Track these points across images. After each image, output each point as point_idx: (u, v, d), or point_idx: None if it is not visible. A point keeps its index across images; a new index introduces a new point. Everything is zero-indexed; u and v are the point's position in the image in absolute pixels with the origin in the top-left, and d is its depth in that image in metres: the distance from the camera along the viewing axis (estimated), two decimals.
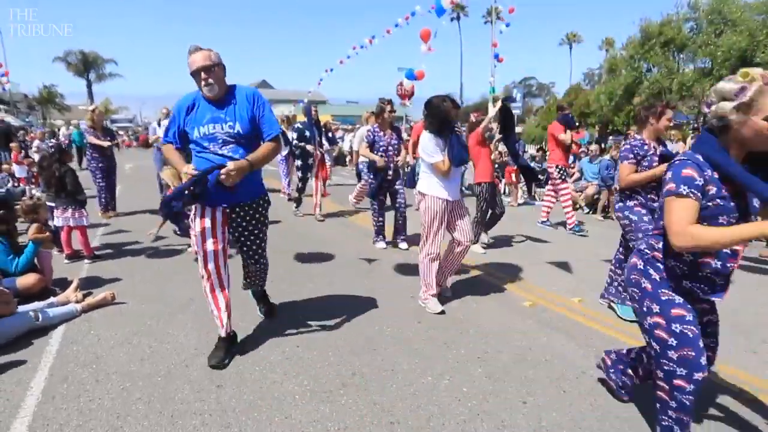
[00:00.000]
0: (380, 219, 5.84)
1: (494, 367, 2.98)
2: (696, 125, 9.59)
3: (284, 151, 8.79)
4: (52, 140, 10.14)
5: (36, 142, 11.09)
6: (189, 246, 6.43)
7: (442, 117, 3.63)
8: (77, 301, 3.80)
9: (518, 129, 14.47)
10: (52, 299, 3.81)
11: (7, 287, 3.57)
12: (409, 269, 4.83)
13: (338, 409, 2.50)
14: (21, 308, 3.44)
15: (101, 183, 7.69)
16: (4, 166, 10.17)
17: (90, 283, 4.36)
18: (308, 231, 6.86)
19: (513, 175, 9.93)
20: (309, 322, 3.57)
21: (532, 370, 2.95)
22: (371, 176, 5.84)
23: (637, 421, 2.45)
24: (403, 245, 5.73)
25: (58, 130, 21.15)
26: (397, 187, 5.70)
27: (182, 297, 4.07)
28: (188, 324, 3.52)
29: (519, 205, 10.07)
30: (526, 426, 2.41)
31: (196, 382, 2.72)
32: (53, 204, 5.07)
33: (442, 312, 3.77)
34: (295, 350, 3.13)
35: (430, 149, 3.66)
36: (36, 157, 10.43)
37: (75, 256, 5.19)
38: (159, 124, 8.46)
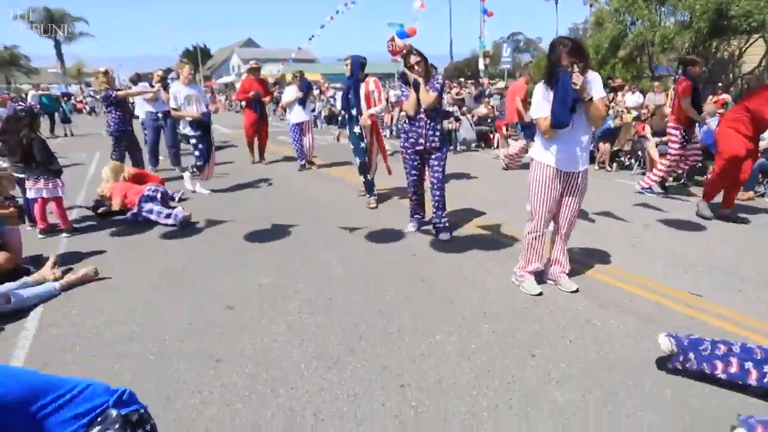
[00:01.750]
0: (414, 196, 4.66)
1: (501, 323, 2.91)
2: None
3: (298, 117, 8.26)
4: (21, 104, 9.39)
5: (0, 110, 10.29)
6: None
7: (552, 62, 3.02)
8: (55, 279, 3.56)
9: (502, 84, 14.27)
10: (25, 279, 3.55)
11: None
12: (401, 221, 4.71)
13: (346, 376, 2.41)
14: None
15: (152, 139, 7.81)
16: None
17: (70, 259, 4.10)
18: (308, 192, 6.64)
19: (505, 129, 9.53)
20: (311, 288, 3.44)
21: (538, 323, 2.89)
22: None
23: (648, 366, 2.43)
24: (445, 235, 4.47)
25: (26, 94, 19.92)
26: (434, 156, 4.36)
27: (170, 267, 3.88)
28: (179, 296, 3.35)
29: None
30: (536, 380, 2.36)
31: (192, 359, 2.57)
32: (23, 175, 4.71)
33: (540, 294, 3.24)
34: (298, 317, 3.01)
35: (535, 101, 3.10)
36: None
37: (51, 230, 4.88)
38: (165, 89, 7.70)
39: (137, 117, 8.79)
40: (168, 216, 5.07)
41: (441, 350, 2.62)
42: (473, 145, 10.90)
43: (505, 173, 8.10)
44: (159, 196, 5.40)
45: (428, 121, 4.19)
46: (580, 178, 3.17)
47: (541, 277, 3.45)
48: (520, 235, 4.61)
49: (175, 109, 6.42)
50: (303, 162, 8.46)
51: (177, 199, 6.13)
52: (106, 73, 7.22)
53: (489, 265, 3.84)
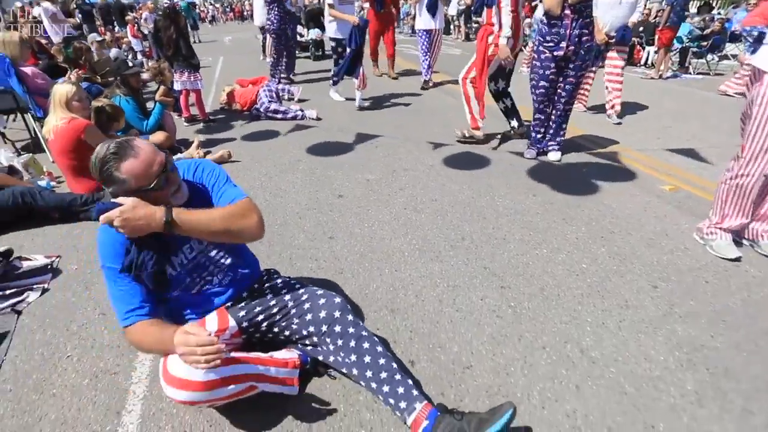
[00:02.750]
0: (538, 114, 4.08)
1: (620, 248, 2.67)
2: None
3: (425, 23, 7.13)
4: (166, 2, 10.32)
5: (145, 14, 11.51)
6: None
7: None
8: (199, 158, 4.06)
9: None
10: (179, 155, 4.12)
11: None
12: (521, 142, 4.43)
13: (447, 268, 2.44)
14: None
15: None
16: (125, 39, 10.88)
17: (207, 144, 4.62)
18: (428, 107, 6.55)
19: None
20: (415, 187, 3.48)
21: (667, 257, 2.60)
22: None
23: None
24: (555, 155, 4.13)
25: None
26: (573, 64, 3.73)
27: (290, 158, 4.19)
28: (297, 182, 3.62)
29: (666, 78, 8.53)
30: (655, 309, 2.16)
31: (309, 232, 2.82)
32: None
33: (737, 259, 2.55)
34: (403, 212, 3.08)
35: None
36: (147, 31, 10.92)
37: (192, 119, 5.53)
38: None
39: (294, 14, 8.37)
40: (294, 116, 5.47)
41: (547, 263, 2.51)
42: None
43: (648, 96, 6.83)
44: (274, 94, 5.80)
45: (576, 18, 3.55)
46: None
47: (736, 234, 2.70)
48: (655, 159, 4.11)
49: (330, 5, 6.19)
50: (427, 78, 7.45)
51: (296, 99, 6.45)
52: None
53: (610, 188, 3.49)
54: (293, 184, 3.58)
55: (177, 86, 5.31)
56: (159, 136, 4.26)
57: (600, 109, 5.72)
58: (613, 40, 5.01)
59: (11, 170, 3.58)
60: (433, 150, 4.39)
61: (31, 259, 2.59)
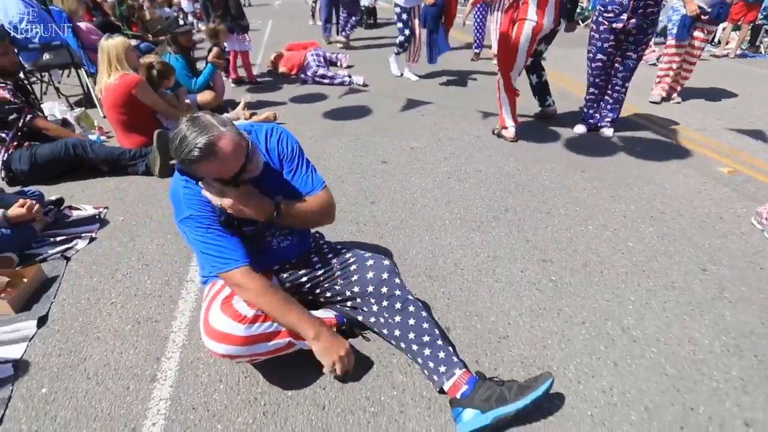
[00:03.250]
0: (593, 89, 3.86)
1: (670, 229, 2.58)
2: None
3: None
4: None
5: None
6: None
7: None
8: (246, 118, 4.15)
9: None
10: (225, 115, 4.21)
11: (189, 102, 4.02)
12: (572, 116, 4.27)
13: (489, 239, 2.44)
14: None
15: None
16: (175, 0, 11.01)
17: (253, 106, 4.70)
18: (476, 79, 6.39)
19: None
20: (460, 157, 3.44)
21: (720, 240, 2.49)
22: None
23: None
24: (607, 131, 3.93)
25: None
26: (633, 38, 3.49)
27: (335, 123, 4.22)
28: (341, 147, 3.66)
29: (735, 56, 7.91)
30: (703, 292, 2.09)
31: (351, 196, 2.87)
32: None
33: None
34: (446, 181, 3.08)
35: None
36: None
37: (240, 81, 5.61)
38: None
39: None
40: (341, 82, 5.46)
41: (592, 239, 2.46)
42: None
43: (712, 75, 6.26)
44: (321, 59, 5.77)
45: None
46: None
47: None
48: (714, 139, 3.89)
49: None
50: (478, 51, 7.16)
51: (344, 65, 6.40)
52: None
53: (663, 168, 3.34)
54: (337, 148, 3.62)
55: (225, 46, 5.37)
56: (206, 96, 4.37)
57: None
58: (707, 16, 4.36)
59: (64, 123, 3.74)
60: (481, 121, 4.30)
61: (80, 209, 2.75)
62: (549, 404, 1.51)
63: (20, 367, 1.68)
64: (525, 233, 2.50)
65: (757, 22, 8.25)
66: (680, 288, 2.12)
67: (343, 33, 8.02)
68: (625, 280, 2.16)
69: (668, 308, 2.00)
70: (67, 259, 2.32)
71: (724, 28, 8.10)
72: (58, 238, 2.46)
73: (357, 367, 1.64)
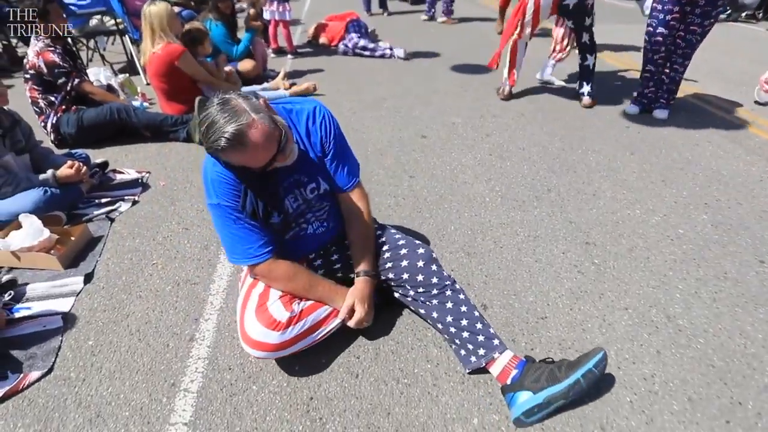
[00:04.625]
0: (649, 66, 3.56)
1: (726, 218, 2.42)
2: None
3: None
4: None
5: None
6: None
7: None
8: (285, 88, 4.14)
9: None
10: (265, 84, 4.23)
11: (231, 69, 4.04)
12: (624, 95, 4.04)
13: (530, 218, 2.36)
14: (243, 89, 3.88)
15: None
16: None
17: (293, 75, 4.69)
18: None
19: None
20: (503, 134, 3.34)
21: None
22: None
23: None
24: (662, 113, 3.67)
25: None
26: (699, 11, 3.22)
27: (376, 95, 4.15)
28: (381, 120, 3.61)
29: None
30: (758, 284, 1.96)
31: (390, 170, 2.83)
32: None
33: None
34: (487, 158, 2.99)
35: None
36: None
37: (280, 51, 5.59)
38: None
39: None
40: (382, 54, 5.37)
41: (639, 224, 2.34)
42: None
43: None
44: (363, 30, 5.67)
45: None
46: None
47: None
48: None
49: None
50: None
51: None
52: None
53: (722, 153, 3.13)
54: (377, 121, 3.57)
55: (266, 15, 5.35)
56: (247, 64, 4.37)
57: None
58: None
59: (109, 89, 3.84)
60: (524, 98, 4.13)
61: (123, 173, 2.84)
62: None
63: (69, 319, 1.76)
64: (568, 214, 2.40)
65: None
66: (733, 279, 2.00)
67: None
68: (672, 268, 2.05)
69: (719, 299, 1.88)
70: (111, 220, 2.40)
71: None
72: (103, 200, 2.55)
73: (391, 340, 1.64)
